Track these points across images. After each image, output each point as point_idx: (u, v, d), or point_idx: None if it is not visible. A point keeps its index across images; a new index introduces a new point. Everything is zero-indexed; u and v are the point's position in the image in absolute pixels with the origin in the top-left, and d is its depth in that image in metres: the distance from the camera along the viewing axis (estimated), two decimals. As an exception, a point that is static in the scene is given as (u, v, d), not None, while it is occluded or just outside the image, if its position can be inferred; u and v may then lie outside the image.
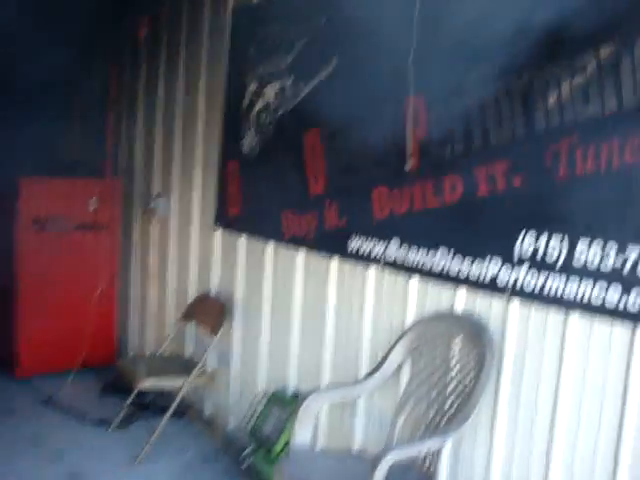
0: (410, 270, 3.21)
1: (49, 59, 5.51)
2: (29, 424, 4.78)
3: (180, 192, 5.18)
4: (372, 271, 3.45)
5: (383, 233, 3.35)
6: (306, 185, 3.82)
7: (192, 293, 5.01)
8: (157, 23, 5.32)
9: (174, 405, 4.38)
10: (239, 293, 4.53)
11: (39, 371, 5.46)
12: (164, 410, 4.45)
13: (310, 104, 3.82)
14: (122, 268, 5.90)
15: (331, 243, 3.69)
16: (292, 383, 4.01)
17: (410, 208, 3.20)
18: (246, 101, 4.42)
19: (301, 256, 3.92)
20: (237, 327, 4.53)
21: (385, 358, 3.22)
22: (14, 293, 5.41)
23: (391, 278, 3.34)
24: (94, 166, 5.95)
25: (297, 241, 3.92)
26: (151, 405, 4.96)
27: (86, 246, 5.62)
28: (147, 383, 4.30)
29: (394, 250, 3.29)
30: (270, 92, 4.19)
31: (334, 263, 3.67)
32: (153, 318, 5.53)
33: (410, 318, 3.24)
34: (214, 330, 4.49)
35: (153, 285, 5.51)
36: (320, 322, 3.77)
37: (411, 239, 3.21)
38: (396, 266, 3.29)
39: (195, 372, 4.42)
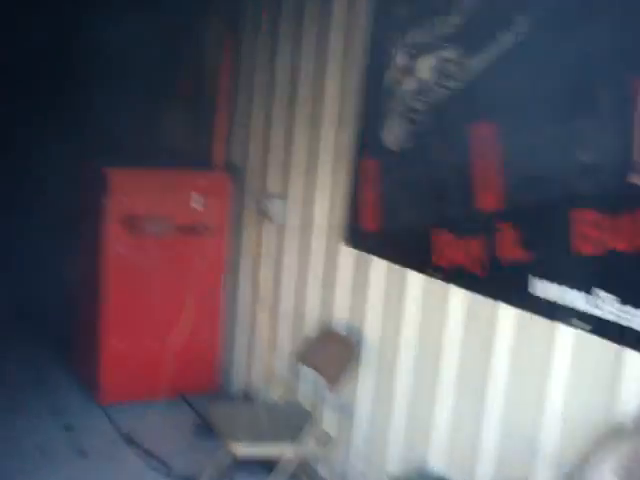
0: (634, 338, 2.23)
1: (149, 28, 4.62)
2: (102, 471, 3.92)
3: (301, 194, 4.11)
4: (566, 332, 2.50)
5: (590, 278, 2.42)
6: (471, 197, 2.92)
7: (310, 321, 4.01)
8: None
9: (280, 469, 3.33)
10: (370, 332, 3.53)
11: (124, 398, 4.60)
12: (269, 469, 3.47)
13: (483, 86, 2.90)
14: (229, 281, 4.89)
15: (504, 282, 2.78)
16: (434, 465, 3.09)
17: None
18: (390, 79, 3.38)
19: (458, 295, 3.00)
20: (365, 377, 3.54)
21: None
22: (99, 305, 4.51)
23: (599, 346, 2.37)
24: (198, 156, 4.98)
25: (453, 273, 3.01)
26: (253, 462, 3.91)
27: (187, 253, 4.66)
28: (243, 450, 3.27)
29: (609, 306, 2.33)
30: (424, 68, 3.20)
31: (507, 311, 2.75)
32: (263, 344, 4.50)
33: (628, 413, 2.26)
34: (334, 381, 3.40)
35: (264, 305, 4.47)
36: (481, 390, 2.86)
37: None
38: (609, 329, 2.33)
39: (306, 436, 3.34)
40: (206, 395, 4.74)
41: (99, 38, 4.92)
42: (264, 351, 4.47)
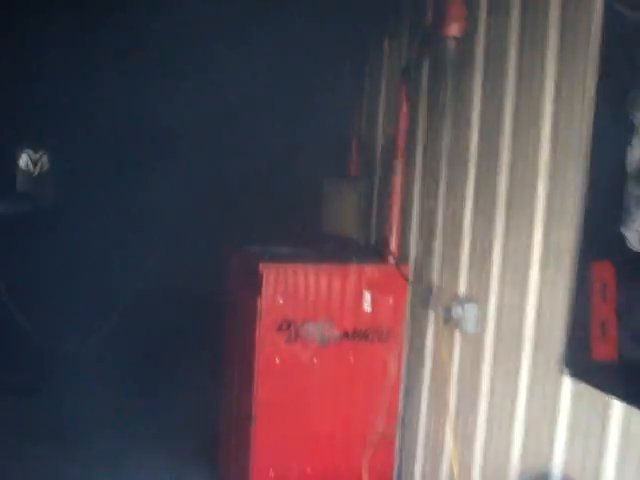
0: None
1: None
2: None
3: (502, 299, 3.14)
4: None
5: None
6: None
7: (516, 467, 2.91)
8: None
9: None
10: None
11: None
12: None
13: None
14: (405, 399, 3.93)
15: None
16: None
17: None
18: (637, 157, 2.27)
19: None
20: None
21: None
22: (248, 425, 3.71)
23: None
24: (368, 247, 4.13)
25: None
26: None
27: (355, 364, 3.79)
28: None
29: None
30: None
31: None
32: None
33: None
34: None
35: (449, 440, 3.46)
36: None
37: None
38: None
39: None
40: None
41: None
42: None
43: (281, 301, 3.61)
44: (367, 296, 3.75)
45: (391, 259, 3.86)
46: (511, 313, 3.06)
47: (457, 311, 3.37)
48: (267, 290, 3.59)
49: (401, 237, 3.92)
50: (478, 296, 3.31)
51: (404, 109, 3.73)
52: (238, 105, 5.62)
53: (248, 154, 5.87)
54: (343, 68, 5.00)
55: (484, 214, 3.28)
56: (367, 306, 3.76)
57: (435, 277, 3.71)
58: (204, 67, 5.40)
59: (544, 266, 2.86)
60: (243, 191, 5.80)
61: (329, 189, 4.29)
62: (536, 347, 2.88)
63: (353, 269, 3.77)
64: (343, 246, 4.10)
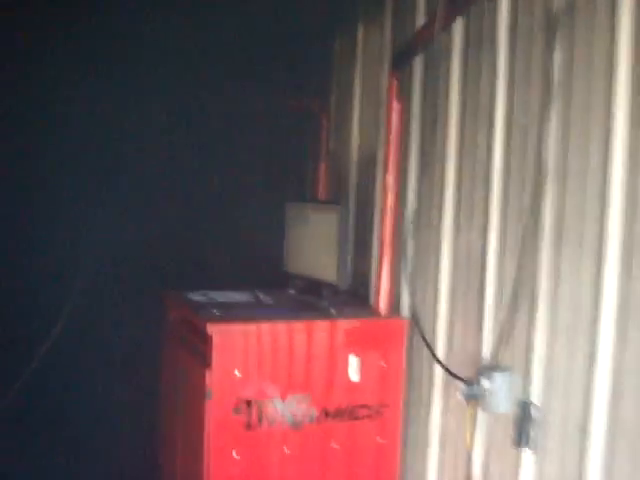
0: None
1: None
2: None
3: (551, 365, 2.22)
4: None
5: None
6: None
7: None
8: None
9: None
10: None
11: None
12: None
13: None
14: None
15: None
16: None
17: None
18: None
19: None
20: None
21: None
22: None
23: None
24: (355, 299, 3.19)
25: None
26: None
27: (339, 452, 2.81)
28: None
29: None
30: None
31: None
32: None
33: None
34: None
35: None
36: None
37: None
38: None
39: None
40: None
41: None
42: None
43: (238, 374, 2.63)
44: (353, 361, 2.80)
45: (382, 310, 2.92)
46: (567, 385, 2.16)
47: (479, 385, 2.45)
48: (219, 359, 2.61)
49: (394, 280, 2.98)
50: (510, 364, 2.40)
51: (396, 110, 2.81)
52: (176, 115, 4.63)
53: (188, 176, 4.87)
54: (303, 67, 4.09)
55: (517, 248, 2.38)
56: (353, 374, 2.81)
57: (442, 333, 2.80)
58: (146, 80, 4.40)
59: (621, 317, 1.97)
60: (184, 224, 4.78)
61: (293, 218, 3.34)
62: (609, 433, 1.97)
63: (333, 325, 2.82)
64: (315, 292, 3.15)
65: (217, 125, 4.62)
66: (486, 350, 2.55)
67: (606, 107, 2.02)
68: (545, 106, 2.23)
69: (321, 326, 2.78)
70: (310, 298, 3.16)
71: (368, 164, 3.39)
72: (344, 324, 2.83)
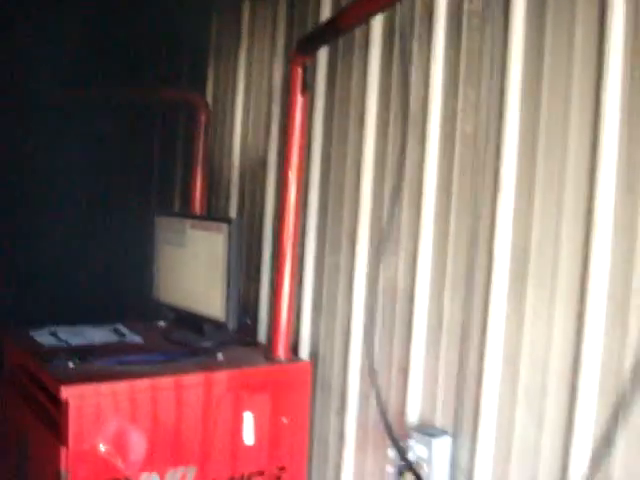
0: None
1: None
2: None
3: (502, 427, 1.79)
4: None
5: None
6: None
7: None
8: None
9: None
10: None
11: None
12: None
13: None
14: None
15: None
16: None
17: None
18: None
19: None
20: None
21: None
22: None
23: None
24: (225, 324, 2.60)
25: None
26: None
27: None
28: None
29: None
30: None
31: None
32: None
33: None
34: None
35: None
36: None
37: None
38: None
39: None
40: None
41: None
42: None
43: (103, 448, 2.00)
44: (248, 419, 2.24)
45: (280, 352, 2.38)
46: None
47: (416, 450, 1.98)
48: (77, 432, 1.96)
49: (293, 313, 2.45)
50: (458, 425, 1.95)
51: (301, 104, 2.27)
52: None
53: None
54: (176, 51, 3.46)
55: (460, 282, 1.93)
56: (248, 436, 2.25)
57: (359, 381, 2.30)
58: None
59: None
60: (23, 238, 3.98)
61: (165, 235, 2.72)
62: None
63: (224, 377, 2.24)
64: (192, 326, 2.56)
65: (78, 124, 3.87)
66: (414, 404, 2.08)
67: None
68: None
69: (210, 379, 2.20)
70: (187, 336, 2.57)
71: (255, 169, 2.84)
72: (237, 374, 2.27)
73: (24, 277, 3.91)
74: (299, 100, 2.28)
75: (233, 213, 2.96)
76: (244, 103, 2.93)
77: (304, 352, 2.53)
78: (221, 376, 2.22)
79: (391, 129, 2.19)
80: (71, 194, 3.99)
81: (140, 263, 2.96)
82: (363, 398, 2.29)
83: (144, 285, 2.87)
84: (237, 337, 2.56)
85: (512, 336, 1.80)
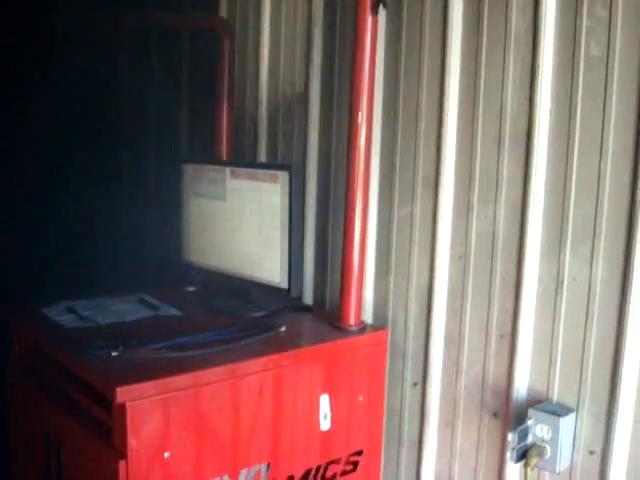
0: None
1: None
2: None
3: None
4: None
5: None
6: None
7: None
8: None
9: None
10: None
11: None
12: None
13: None
14: None
15: None
16: None
17: None
18: None
19: None
20: None
21: None
22: None
23: None
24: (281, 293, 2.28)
25: None
26: None
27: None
28: None
29: None
30: None
31: None
32: None
33: None
34: None
35: None
36: None
37: None
38: None
39: None
40: None
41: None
42: None
43: (167, 454, 1.65)
44: (324, 403, 1.92)
45: (352, 321, 2.04)
46: None
47: (530, 428, 1.71)
48: (139, 441, 1.60)
49: (364, 274, 2.10)
50: (579, 398, 1.67)
51: (368, 24, 1.87)
52: None
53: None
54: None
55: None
56: (324, 421, 1.93)
57: (444, 349, 2.00)
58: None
59: None
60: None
61: (196, 186, 2.31)
62: None
63: (298, 357, 1.89)
64: (238, 297, 2.20)
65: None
66: (524, 379, 1.79)
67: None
68: None
69: (281, 360, 1.85)
70: (232, 304, 2.20)
71: (291, 106, 2.44)
72: (312, 352, 1.93)
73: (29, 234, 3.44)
74: (368, 21, 1.87)
75: (263, 158, 2.57)
76: (272, 24, 2.49)
77: (367, 318, 2.20)
78: (294, 355, 1.88)
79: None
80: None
81: (156, 220, 2.56)
82: (450, 368, 1.99)
83: (164, 246, 2.48)
84: (287, 304, 2.21)
85: None
